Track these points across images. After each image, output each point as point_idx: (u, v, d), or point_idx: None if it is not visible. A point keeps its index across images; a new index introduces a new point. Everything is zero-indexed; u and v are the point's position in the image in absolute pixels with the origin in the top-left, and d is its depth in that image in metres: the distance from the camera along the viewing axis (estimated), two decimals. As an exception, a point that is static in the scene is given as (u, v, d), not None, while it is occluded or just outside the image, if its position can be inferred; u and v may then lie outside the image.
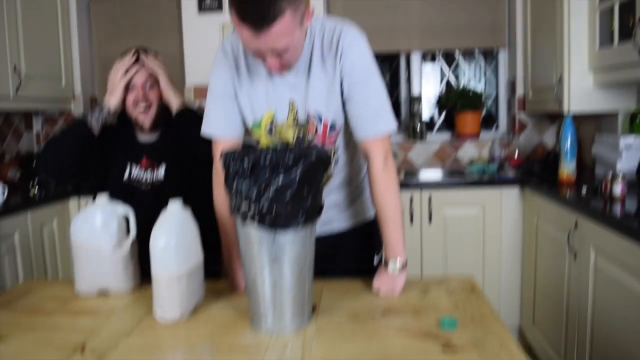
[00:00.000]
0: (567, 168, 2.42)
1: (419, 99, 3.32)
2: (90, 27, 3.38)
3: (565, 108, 2.46)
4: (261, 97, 1.35)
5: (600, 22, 2.31)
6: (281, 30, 1.10)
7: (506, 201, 2.72)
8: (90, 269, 1.34)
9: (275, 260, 1.07)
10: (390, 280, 1.30)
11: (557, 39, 2.51)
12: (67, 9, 3.14)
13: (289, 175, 1.04)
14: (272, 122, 1.36)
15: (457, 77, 3.49)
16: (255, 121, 1.37)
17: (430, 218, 2.74)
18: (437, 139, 3.36)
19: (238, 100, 1.37)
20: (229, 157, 1.07)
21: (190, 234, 1.20)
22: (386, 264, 1.31)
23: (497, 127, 3.41)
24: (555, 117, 3.16)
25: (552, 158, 2.86)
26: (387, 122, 1.30)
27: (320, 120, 1.32)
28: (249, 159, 1.04)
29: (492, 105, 3.46)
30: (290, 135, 1.35)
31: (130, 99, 1.64)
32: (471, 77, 3.51)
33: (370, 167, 1.31)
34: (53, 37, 3.01)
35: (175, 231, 1.16)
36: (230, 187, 1.08)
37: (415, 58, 3.41)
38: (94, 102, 3.40)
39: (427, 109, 3.51)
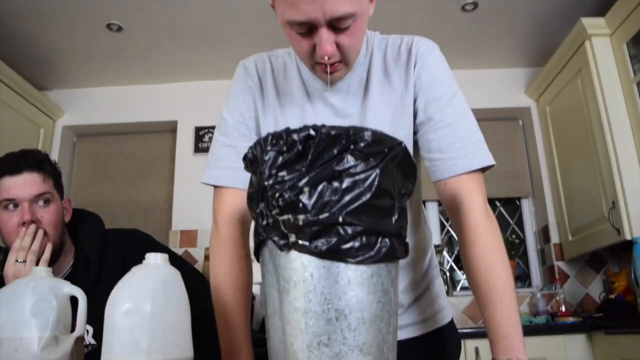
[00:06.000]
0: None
1: (439, 249, 2.92)
2: (72, 167, 3.03)
3: (628, 233, 2.08)
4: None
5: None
6: None
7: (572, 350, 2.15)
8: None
9: (333, 319, 0.57)
10: None
11: (603, 167, 2.27)
12: (49, 143, 2.81)
13: (366, 163, 0.60)
14: None
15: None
16: None
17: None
18: (465, 294, 2.86)
19: (261, 134, 0.98)
20: (262, 139, 0.64)
21: (177, 304, 0.70)
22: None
23: (529, 278, 2.99)
24: (601, 264, 2.76)
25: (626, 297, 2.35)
26: (484, 153, 0.90)
27: None
28: (300, 133, 0.61)
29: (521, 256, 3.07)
30: None
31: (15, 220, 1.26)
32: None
33: (464, 215, 0.86)
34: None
35: (151, 294, 0.67)
36: (260, 191, 0.62)
37: (432, 207, 3.12)
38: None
39: (447, 262, 3.09)
